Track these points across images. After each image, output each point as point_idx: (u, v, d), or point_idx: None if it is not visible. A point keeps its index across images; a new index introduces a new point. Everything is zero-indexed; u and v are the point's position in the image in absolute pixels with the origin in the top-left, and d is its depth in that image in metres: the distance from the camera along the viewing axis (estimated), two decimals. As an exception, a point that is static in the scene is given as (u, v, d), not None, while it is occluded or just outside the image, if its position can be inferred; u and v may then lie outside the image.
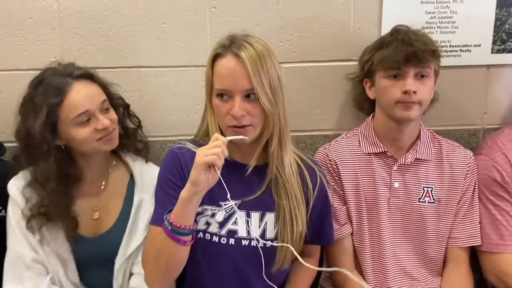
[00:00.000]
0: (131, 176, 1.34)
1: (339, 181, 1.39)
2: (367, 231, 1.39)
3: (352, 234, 1.41)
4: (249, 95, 1.07)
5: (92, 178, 1.31)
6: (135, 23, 1.46)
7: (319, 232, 1.25)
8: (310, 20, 1.49)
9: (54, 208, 1.21)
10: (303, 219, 1.17)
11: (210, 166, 0.98)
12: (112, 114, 1.27)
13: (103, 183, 1.32)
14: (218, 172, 1.00)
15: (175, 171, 1.16)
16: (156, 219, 1.13)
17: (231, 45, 1.08)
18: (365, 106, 1.48)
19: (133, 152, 1.38)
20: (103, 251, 1.27)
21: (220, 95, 1.09)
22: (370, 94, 1.41)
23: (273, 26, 1.48)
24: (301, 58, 1.51)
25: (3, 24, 1.44)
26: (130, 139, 1.37)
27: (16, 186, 1.25)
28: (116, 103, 1.33)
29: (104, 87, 1.29)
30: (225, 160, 1.02)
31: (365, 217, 1.39)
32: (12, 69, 1.48)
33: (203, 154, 0.99)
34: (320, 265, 1.43)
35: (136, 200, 1.30)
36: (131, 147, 1.38)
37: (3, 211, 1.29)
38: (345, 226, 1.40)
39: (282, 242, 1.14)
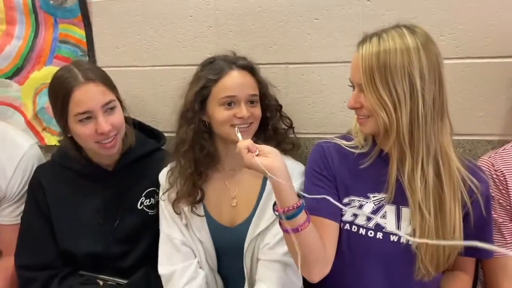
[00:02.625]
0: None
1: (506, 195, 1.22)
2: (539, 255, 1.21)
3: (519, 256, 1.23)
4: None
5: (232, 167, 1.34)
6: (287, 19, 1.46)
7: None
8: (477, 11, 1.33)
9: (185, 170, 1.27)
10: (456, 226, 1.07)
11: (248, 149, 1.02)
12: (256, 110, 1.28)
13: (243, 172, 1.34)
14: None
15: (320, 162, 1.21)
16: None
17: (364, 38, 1.09)
18: (541, 110, 1.28)
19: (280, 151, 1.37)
20: (239, 241, 1.29)
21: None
22: None
23: (433, 19, 1.36)
24: (465, 54, 1.36)
25: (167, 23, 1.55)
26: (278, 139, 1.36)
27: (163, 173, 1.35)
28: (269, 103, 1.34)
29: (261, 85, 1.31)
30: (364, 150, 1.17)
31: (538, 239, 1.21)
32: (172, 64, 1.58)
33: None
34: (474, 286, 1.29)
35: (268, 187, 1.30)
36: (278, 148, 1.36)
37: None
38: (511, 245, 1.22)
39: (422, 248, 1.08)
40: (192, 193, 1.28)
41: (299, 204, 1.02)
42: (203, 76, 1.27)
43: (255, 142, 1.29)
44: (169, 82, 1.60)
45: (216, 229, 1.31)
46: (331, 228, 1.16)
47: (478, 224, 1.11)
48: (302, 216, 1.03)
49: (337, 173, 1.19)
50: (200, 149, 1.29)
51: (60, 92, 1.25)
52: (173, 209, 1.29)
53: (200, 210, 1.31)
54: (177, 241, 1.30)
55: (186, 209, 1.30)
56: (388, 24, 1.10)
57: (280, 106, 1.40)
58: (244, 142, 1.04)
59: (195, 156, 1.28)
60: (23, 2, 1.59)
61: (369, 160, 1.16)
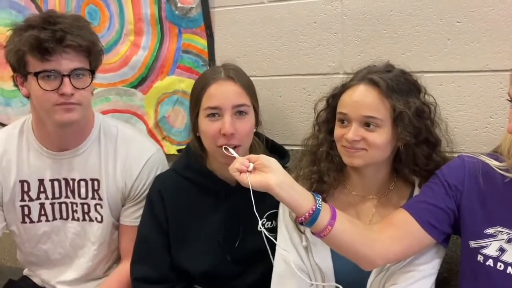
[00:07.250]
0: (410, 196, 1.18)
1: None
2: None
3: None
4: None
5: (366, 193, 1.20)
6: (423, 23, 1.31)
7: None
8: None
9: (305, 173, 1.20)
10: None
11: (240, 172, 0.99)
12: (371, 135, 1.09)
13: (376, 202, 1.20)
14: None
15: (454, 175, 1.07)
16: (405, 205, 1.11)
17: None
18: None
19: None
20: (364, 277, 1.15)
21: None
22: None
23: None
24: None
25: (289, 30, 1.48)
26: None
27: None
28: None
29: (392, 100, 1.09)
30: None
31: None
32: (292, 74, 1.51)
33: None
34: None
35: None
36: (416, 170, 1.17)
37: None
38: None
39: None
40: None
41: (313, 209, 0.98)
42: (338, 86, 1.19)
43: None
44: (288, 92, 1.53)
45: (339, 260, 1.15)
46: (409, 227, 1.05)
47: None
48: (321, 221, 0.98)
49: (474, 196, 1.03)
50: (327, 158, 1.19)
51: (199, 84, 1.25)
52: (296, 226, 1.18)
53: None
54: (292, 264, 1.17)
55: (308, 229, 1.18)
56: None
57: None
58: (233, 164, 1.00)
59: (320, 164, 1.19)
60: (151, 12, 1.64)
61: None
